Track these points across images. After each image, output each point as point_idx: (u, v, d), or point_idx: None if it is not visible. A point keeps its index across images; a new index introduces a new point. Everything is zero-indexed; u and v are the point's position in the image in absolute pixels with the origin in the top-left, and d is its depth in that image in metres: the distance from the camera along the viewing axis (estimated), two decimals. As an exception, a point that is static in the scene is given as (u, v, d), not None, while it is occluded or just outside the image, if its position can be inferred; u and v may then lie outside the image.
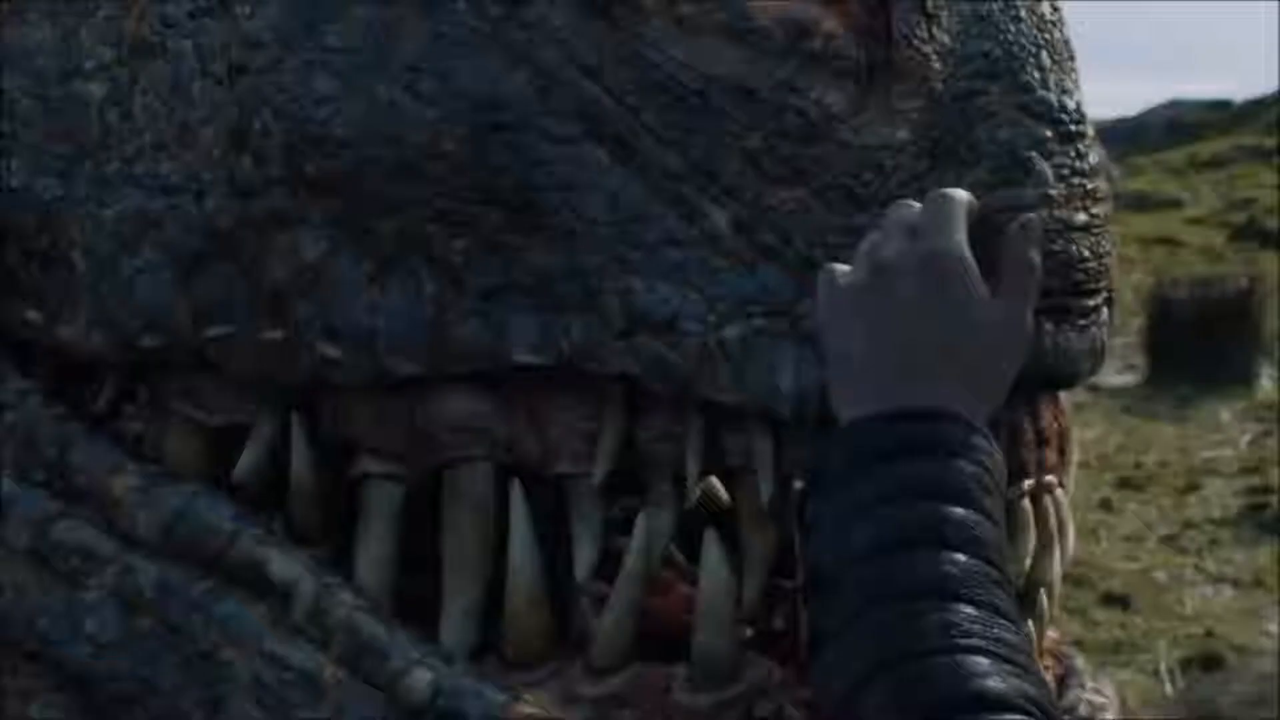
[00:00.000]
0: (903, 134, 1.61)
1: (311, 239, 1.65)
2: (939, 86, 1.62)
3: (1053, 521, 1.79)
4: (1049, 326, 1.65)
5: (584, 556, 1.69)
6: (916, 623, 1.23)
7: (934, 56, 1.62)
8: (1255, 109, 25.01)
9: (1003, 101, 1.65)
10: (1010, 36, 1.66)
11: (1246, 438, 9.51)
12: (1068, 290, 1.67)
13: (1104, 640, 6.18)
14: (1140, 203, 18.40)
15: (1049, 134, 1.66)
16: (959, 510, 1.30)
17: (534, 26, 1.61)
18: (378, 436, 1.72)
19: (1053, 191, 1.65)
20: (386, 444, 1.71)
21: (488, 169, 1.61)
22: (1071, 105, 1.69)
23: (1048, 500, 1.78)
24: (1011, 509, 1.70)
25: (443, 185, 1.62)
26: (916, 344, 1.38)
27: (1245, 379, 10.79)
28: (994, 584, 1.28)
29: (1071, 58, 1.72)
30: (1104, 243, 1.70)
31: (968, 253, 1.41)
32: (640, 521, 1.68)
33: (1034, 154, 1.65)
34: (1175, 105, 26.63)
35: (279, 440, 1.76)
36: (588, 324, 1.62)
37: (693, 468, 1.66)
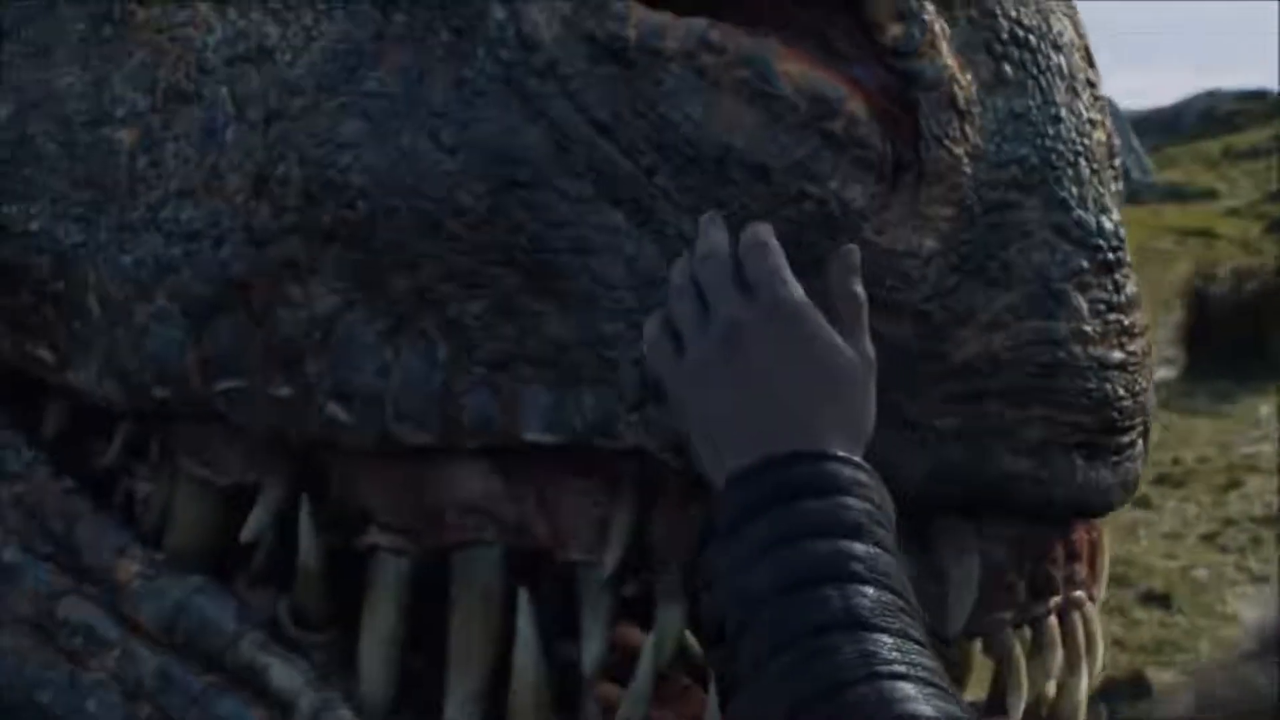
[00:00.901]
0: (930, 243, 1.56)
1: (324, 291, 1.62)
2: (970, 195, 1.57)
3: (1081, 639, 1.75)
4: (1080, 461, 1.61)
5: (591, 650, 1.67)
6: (834, 656, 1.22)
7: (965, 160, 1.56)
8: (1294, 99, 24.71)
9: (1038, 220, 1.59)
10: (1048, 142, 1.60)
11: (1287, 433, 9.40)
12: (1103, 429, 1.63)
13: (1145, 640, 6.12)
14: (1176, 194, 18.20)
15: (1085, 264, 1.61)
16: (858, 545, 1.29)
17: (546, 74, 1.58)
18: (386, 509, 1.70)
19: (1088, 328, 1.60)
20: (395, 518, 1.69)
21: (505, 227, 1.58)
22: (1110, 227, 1.63)
23: (1076, 617, 1.74)
24: (1038, 625, 1.68)
25: (460, 242, 1.59)
26: (784, 395, 1.37)
27: (1285, 373, 10.65)
28: (903, 612, 1.27)
29: (1112, 160, 1.67)
30: (1140, 379, 1.66)
31: (805, 297, 1.41)
32: (647, 644, 1.67)
33: (1068, 287, 1.60)
34: (1212, 95, 26.28)
35: (287, 503, 1.75)
36: (601, 396, 1.58)
37: None
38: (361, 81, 1.62)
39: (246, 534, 1.75)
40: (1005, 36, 1.60)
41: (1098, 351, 1.61)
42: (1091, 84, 1.67)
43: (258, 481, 1.76)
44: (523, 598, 1.66)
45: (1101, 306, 1.62)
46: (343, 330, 1.62)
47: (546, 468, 1.64)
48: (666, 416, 1.52)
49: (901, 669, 1.21)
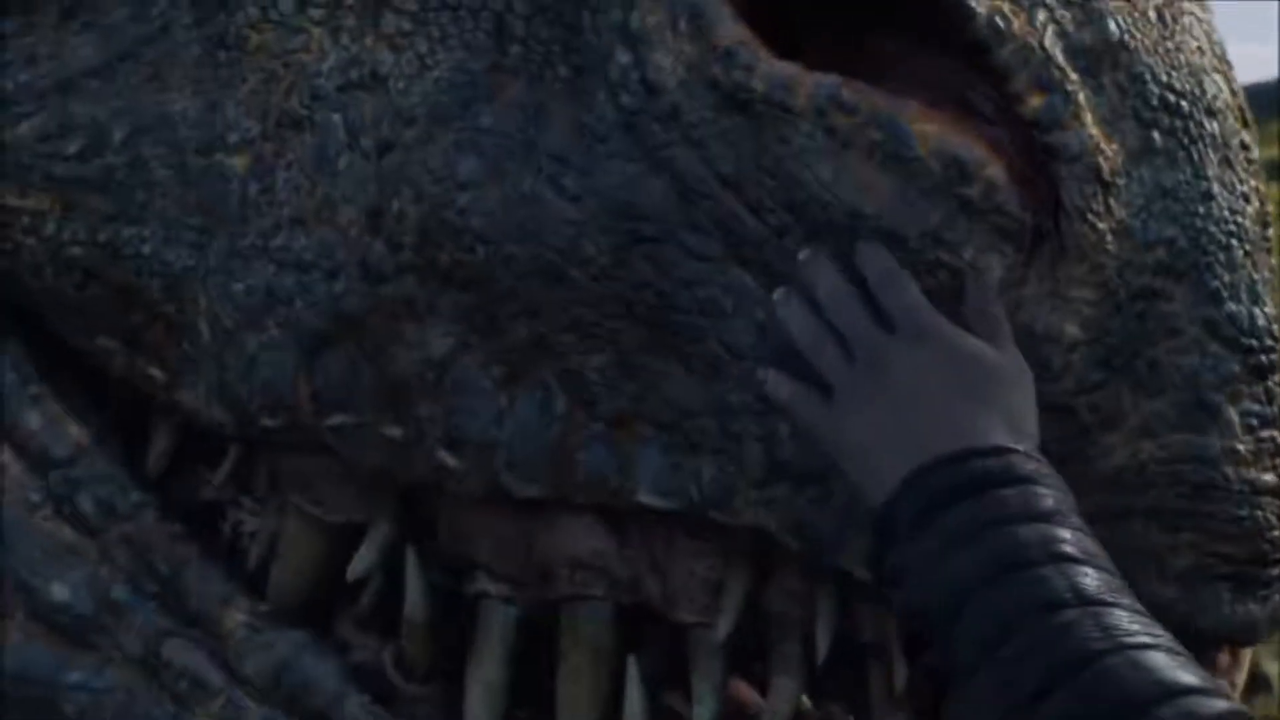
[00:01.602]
0: (1073, 329, 1.50)
1: (440, 333, 1.59)
2: (1114, 277, 1.50)
3: None
4: (1228, 594, 1.56)
5: (703, 714, 1.63)
6: (1075, 630, 1.21)
7: (1109, 237, 1.49)
8: None
9: (1187, 314, 1.53)
10: (1199, 222, 1.53)
11: None
12: (1253, 560, 1.57)
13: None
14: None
15: (1237, 369, 1.54)
16: (1061, 530, 1.28)
17: (669, 122, 1.52)
18: (494, 559, 1.67)
19: (1240, 446, 1.54)
20: (503, 567, 1.67)
21: (630, 281, 1.53)
22: (1262, 322, 1.56)
23: None
24: None
25: (582, 292, 1.55)
26: (940, 405, 1.36)
27: None
28: (1125, 591, 1.27)
29: (1265, 231, 1.59)
30: None
31: (945, 319, 1.41)
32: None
33: (1221, 398, 1.53)
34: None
35: (395, 542, 1.72)
36: (722, 468, 1.54)
37: (823, 641, 1.59)
38: (476, 116, 1.58)
39: (353, 572, 1.73)
40: (1155, 103, 1.53)
41: (1250, 474, 1.55)
42: (1245, 147, 1.60)
43: (366, 521, 1.73)
44: (632, 666, 1.63)
45: (1254, 421, 1.55)
46: (457, 374, 1.59)
47: (659, 526, 1.61)
48: (813, 458, 1.48)
49: (1147, 639, 1.21)
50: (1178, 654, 1.21)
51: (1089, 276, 1.49)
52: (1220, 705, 1.17)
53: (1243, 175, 1.58)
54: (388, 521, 1.73)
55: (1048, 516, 1.29)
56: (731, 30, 1.50)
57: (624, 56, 1.54)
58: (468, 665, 1.69)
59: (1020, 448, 1.34)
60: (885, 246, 1.45)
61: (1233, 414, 1.53)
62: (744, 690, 1.72)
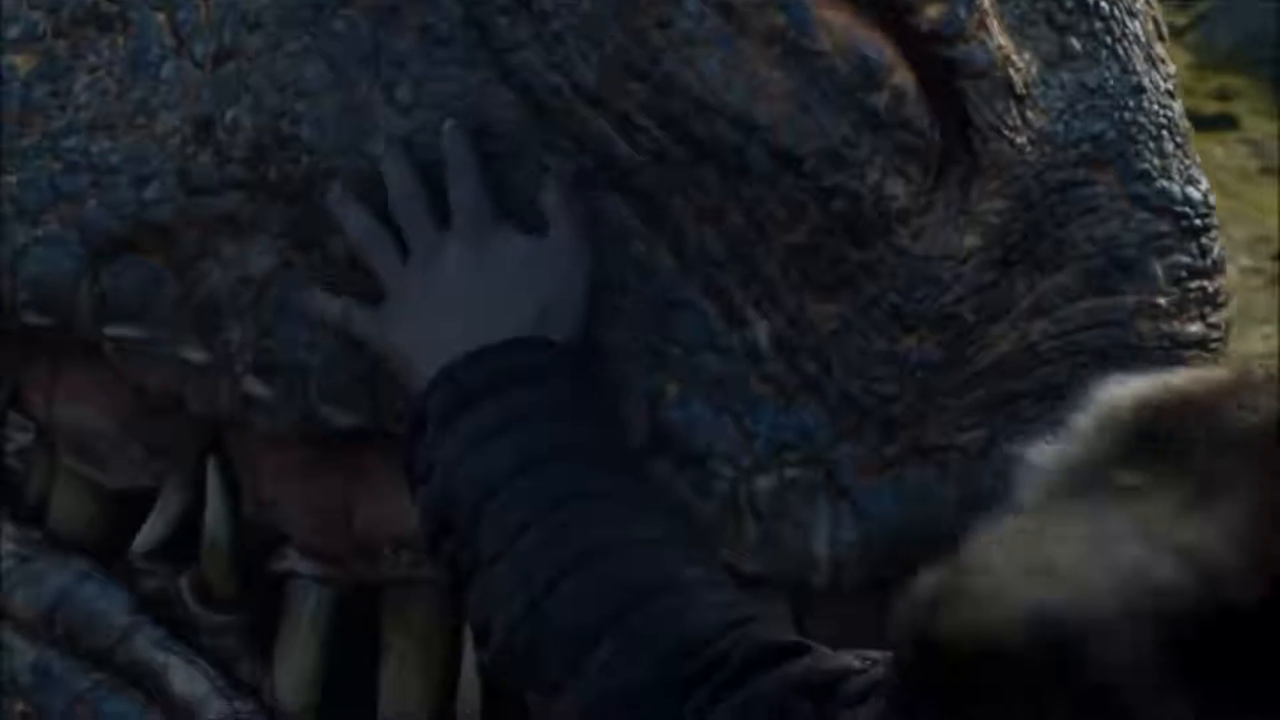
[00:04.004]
0: (971, 240, 1.39)
1: (260, 249, 1.46)
2: (1030, 183, 1.39)
3: None
4: None
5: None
6: (589, 526, 1.27)
7: (1028, 147, 1.38)
8: None
9: (1111, 192, 1.42)
10: (1127, 115, 1.43)
11: None
12: None
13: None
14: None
15: (1166, 228, 1.43)
16: (576, 427, 1.33)
17: (516, 13, 1.40)
18: (307, 532, 1.51)
19: (1161, 300, 1.42)
20: (317, 543, 1.51)
21: None
22: (1198, 196, 1.45)
23: None
24: None
25: None
26: (479, 298, 1.38)
27: None
28: (641, 482, 1.35)
29: (1190, 143, 1.48)
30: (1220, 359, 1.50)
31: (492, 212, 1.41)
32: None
33: (1143, 254, 1.42)
34: None
35: (189, 510, 1.57)
36: None
37: None
38: (330, 21, 1.45)
39: (140, 546, 1.57)
40: (1070, 5, 1.42)
41: (1170, 327, 1.43)
42: (1164, 60, 1.49)
43: (154, 486, 1.57)
44: (469, 652, 1.49)
45: (1183, 273, 1.44)
46: (276, 293, 1.45)
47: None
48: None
49: (658, 534, 1.28)
50: (687, 545, 1.29)
51: (1002, 190, 1.39)
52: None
53: (1167, 77, 1.47)
54: (180, 489, 1.57)
55: (561, 413, 1.33)
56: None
57: None
58: (275, 651, 1.54)
59: (554, 340, 1.36)
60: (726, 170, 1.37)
61: (1157, 268, 1.43)
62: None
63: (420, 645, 1.50)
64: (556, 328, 1.37)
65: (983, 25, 1.36)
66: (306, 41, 1.45)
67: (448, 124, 1.40)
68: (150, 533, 1.56)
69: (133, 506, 1.59)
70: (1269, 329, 5.10)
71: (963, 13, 1.35)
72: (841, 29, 1.34)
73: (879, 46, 1.35)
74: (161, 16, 1.50)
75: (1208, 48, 7.81)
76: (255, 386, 1.46)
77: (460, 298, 1.38)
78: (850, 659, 1.13)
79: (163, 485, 1.57)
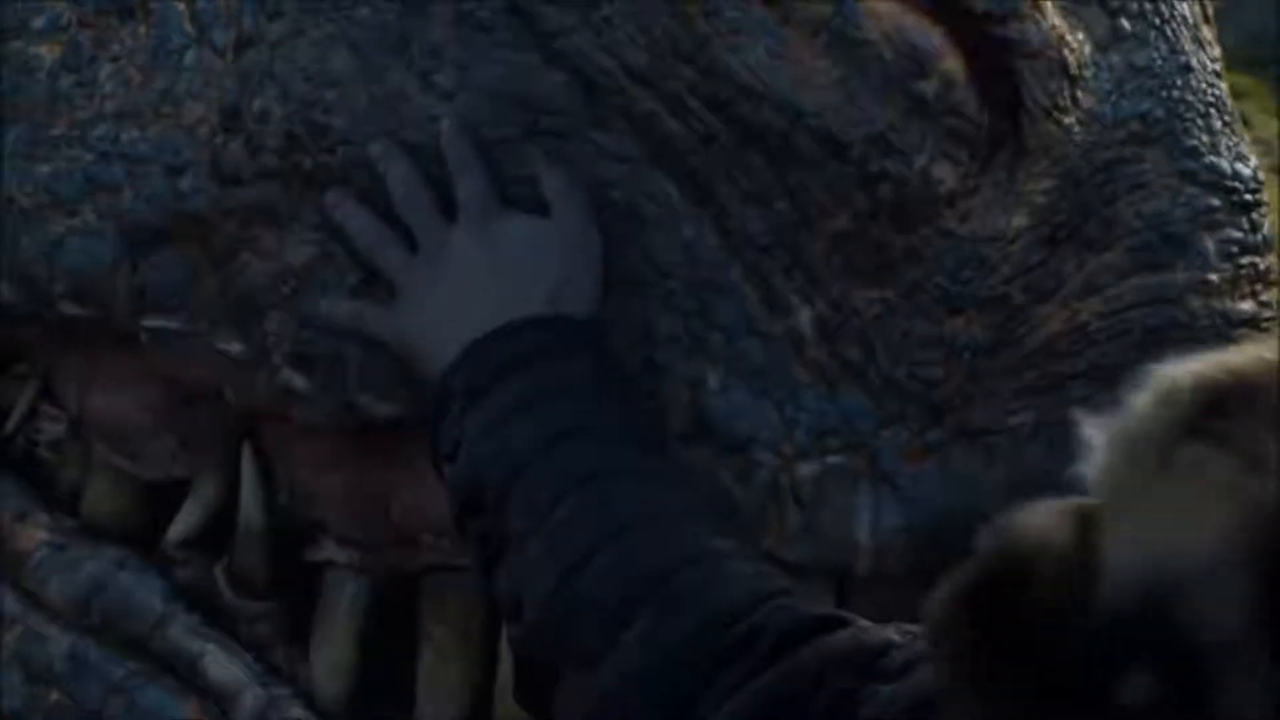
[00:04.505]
0: (1019, 220, 1.38)
1: (299, 240, 1.44)
2: (1078, 162, 1.37)
3: None
4: None
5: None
6: (615, 500, 1.26)
7: (1076, 128, 1.37)
8: None
9: (1159, 169, 1.40)
10: (1175, 93, 1.41)
11: None
12: None
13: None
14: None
15: (1217, 203, 1.41)
16: (609, 400, 1.33)
17: (564, 2, 1.40)
18: (344, 522, 1.50)
19: (1214, 277, 1.40)
20: (354, 531, 1.50)
21: (516, 176, 1.41)
22: (1247, 172, 1.44)
23: None
24: None
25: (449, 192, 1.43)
26: (491, 281, 1.38)
27: None
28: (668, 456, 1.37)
29: (1237, 122, 1.47)
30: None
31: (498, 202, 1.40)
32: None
33: (1193, 229, 1.40)
34: None
35: (223, 501, 1.55)
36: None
37: None
38: (353, 7, 1.43)
39: (175, 534, 1.55)
40: None
41: (1223, 305, 1.41)
42: (1211, 43, 1.48)
43: (188, 476, 1.55)
44: (507, 647, 1.45)
45: (1234, 249, 1.42)
46: (315, 285, 1.43)
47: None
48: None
49: (688, 507, 1.28)
50: (713, 518, 1.30)
51: (1049, 170, 1.38)
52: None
53: (1212, 60, 1.46)
54: (214, 479, 1.55)
55: (584, 389, 1.32)
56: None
57: None
58: (312, 640, 1.52)
59: (570, 315, 1.36)
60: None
61: (1208, 243, 1.41)
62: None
63: (458, 634, 1.49)
64: (572, 306, 1.37)
65: (1036, 6, 1.34)
66: (330, 29, 1.43)
67: (445, 123, 1.39)
68: (184, 522, 1.54)
69: (167, 497, 1.56)
70: (1273, 328, 5.08)
71: (1014, -8, 1.36)
72: (889, 16, 1.34)
73: (927, 34, 1.34)
74: (182, 5, 1.49)
75: (1214, 47, 7.83)
76: (294, 378, 1.44)
77: (473, 283, 1.38)
78: (891, 632, 1.11)
79: (196, 476, 1.54)
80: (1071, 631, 0.86)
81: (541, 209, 1.39)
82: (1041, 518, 0.91)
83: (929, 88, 1.33)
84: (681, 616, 1.19)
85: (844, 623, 1.15)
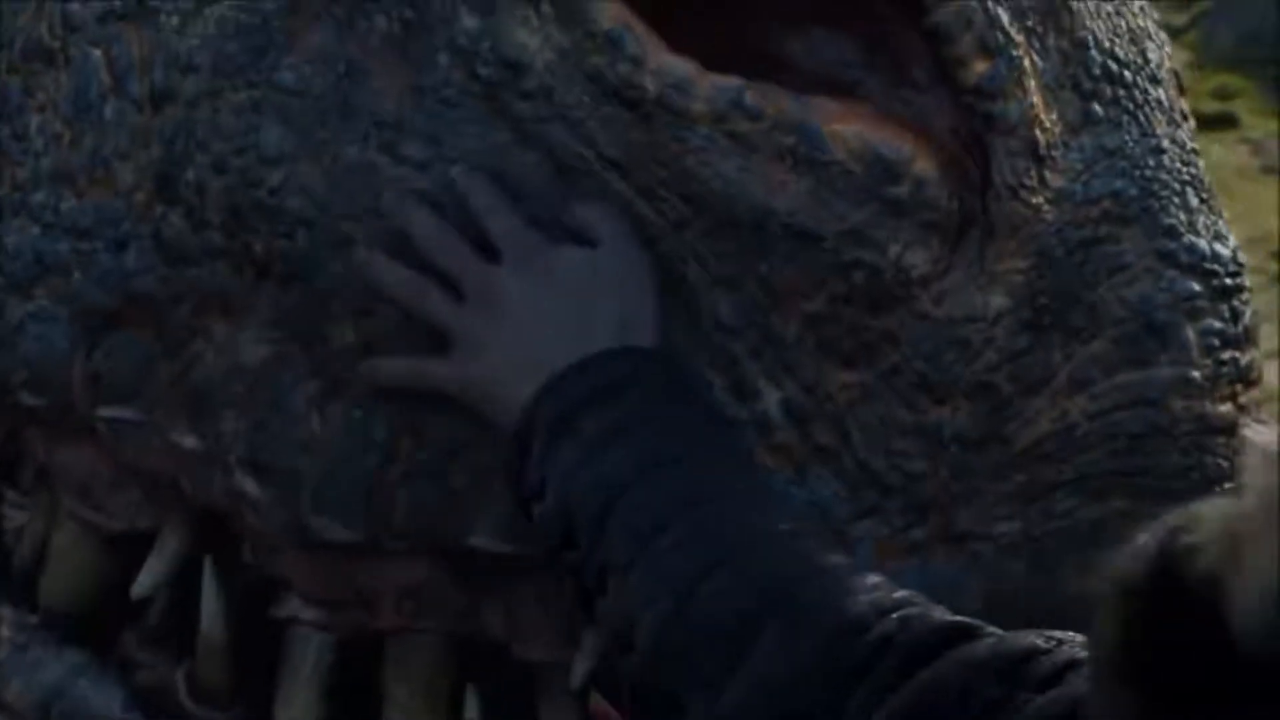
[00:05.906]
0: (999, 300, 1.36)
1: (253, 338, 1.39)
2: (1051, 241, 1.36)
3: None
4: None
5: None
6: (726, 522, 1.25)
7: (1045, 207, 1.36)
8: None
9: (1138, 249, 1.38)
10: (1149, 172, 1.39)
11: None
12: None
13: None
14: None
15: (1197, 288, 1.39)
16: (708, 426, 1.33)
17: (539, 100, 1.36)
18: (307, 581, 1.47)
19: (1195, 374, 1.37)
20: (318, 590, 1.47)
21: None
22: (1227, 254, 1.42)
23: None
24: None
25: None
26: (556, 317, 1.35)
27: None
28: (758, 472, 1.34)
29: (1217, 201, 1.45)
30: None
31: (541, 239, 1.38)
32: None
33: (1175, 317, 1.37)
34: None
35: (189, 553, 1.52)
36: None
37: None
38: (273, 70, 1.38)
39: (140, 589, 1.52)
40: (1097, 72, 1.40)
41: (1202, 407, 1.38)
42: (1186, 117, 1.47)
43: (154, 528, 1.52)
44: (471, 699, 1.46)
45: (1215, 341, 1.39)
46: (271, 390, 1.39)
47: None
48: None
49: (793, 526, 1.26)
50: (820, 536, 1.28)
51: (1021, 248, 1.36)
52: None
53: (1189, 137, 1.45)
54: (179, 530, 1.52)
55: (668, 417, 1.31)
56: (608, 10, 1.33)
57: (470, 21, 1.36)
58: (275, 702, 1.50)
59: (640, 345, 1.34)
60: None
61: (1190, 333, 1.37)
62: (601, 707, 1.54)
63: (422, 696, 1.46)
64: (638, 336, 1.35)
65: (1020, 84, 1.34)
66: (251, 94, 1.39)
67: (459, 170, 1.36)
68: (149, 574, 1.51)
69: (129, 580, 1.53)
70: (1269, 328, 5.08)
71: (1004, 70, 1.33)
72: (855, 137, 1.33)
73: (896, 146, 1.33)
74: (98, 52, 1.44)
75: (1207, 47, 7.79)
76: (246, 483, 1.40)
77: (535, 321, 1.35)
78: (1035, 638, 1.08)
79: (162, 527, 1.50)
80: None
81: (583, 240, 1.37)
82: (1223, 509, 0.86)
83: (902, 190, 1.32)
84: (807, 631, 1.17)
85: (976, 629, 1.13)
